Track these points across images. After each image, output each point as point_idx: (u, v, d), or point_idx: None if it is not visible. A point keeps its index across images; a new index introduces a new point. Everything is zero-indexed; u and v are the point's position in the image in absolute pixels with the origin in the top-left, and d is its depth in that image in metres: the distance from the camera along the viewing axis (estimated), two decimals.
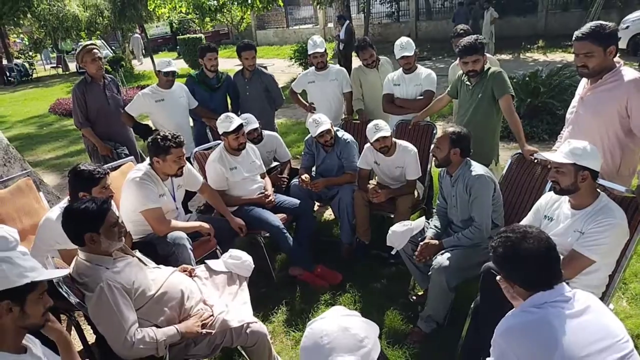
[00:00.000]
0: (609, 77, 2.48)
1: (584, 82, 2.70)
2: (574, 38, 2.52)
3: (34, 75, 23.03)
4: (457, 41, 3.45)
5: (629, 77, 2.42)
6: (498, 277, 1.71)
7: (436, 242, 2.86)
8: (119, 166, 3.55)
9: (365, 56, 4.40)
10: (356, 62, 4.77)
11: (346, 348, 1.24)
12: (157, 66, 4.25)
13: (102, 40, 21.44)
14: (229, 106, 4.79)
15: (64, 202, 2.60)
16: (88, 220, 2.09)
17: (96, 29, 18.62)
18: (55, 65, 24.49)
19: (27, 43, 26.15)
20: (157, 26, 26.69)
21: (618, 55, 2.51)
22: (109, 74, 4.83)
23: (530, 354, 1.48)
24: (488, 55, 3.58)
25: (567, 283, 2.12)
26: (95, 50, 4.18)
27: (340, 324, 1.27)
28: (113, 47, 23.09)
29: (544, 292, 1.55)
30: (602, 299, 2.29)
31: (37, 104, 14.16)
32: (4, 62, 23.07)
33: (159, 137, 2.93)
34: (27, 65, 22.71)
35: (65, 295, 2.01)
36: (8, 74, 21.93)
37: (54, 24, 17.46)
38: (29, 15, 19.00)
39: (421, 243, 2.88)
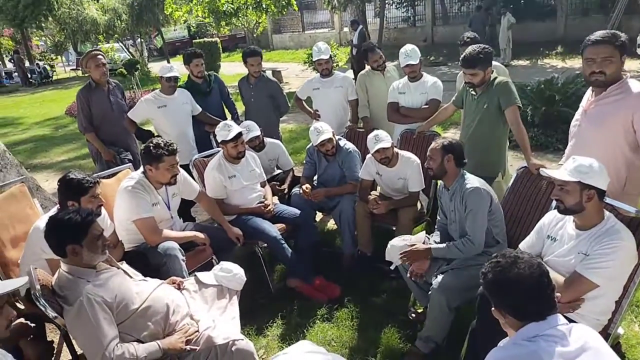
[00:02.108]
0: (614, 89, 2.34)
1: (588, 93, 2.56)
2: (589, 43, 2.36)
3: (54, 77, 23.49)
4: (464, 49, 3.34)
5: (636, 89, 2.27)
6: (492, 309, 1.60)
7: (424, 246, 2.75)
8: (116, 173, 3.52)
9: (375, 57, 4.35)
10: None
11: None
12: (159, 72, 4.20)
13: (121, 44, 21.77)
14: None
15: (54, 211, 2.56)
16: (70, 232, 2.04)
17: (114, 32, 18.91)
18: (74, 67, 24.96)
19: (48, 45, 26.73)
20: (175, 29, 27.01)
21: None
22: (125, 77, 4.80)
23: None
24: (496, 63, 3.46)
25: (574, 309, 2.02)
26: (100, 57, 4.18)
27: None
28: (131, 51, 23.44)
29: (536, 323, 1.44)
30: (607, 326, 2.15)
31: (54, 105, 14.40)
32: (26, 64, 23.65)
33: (151, 145, 2.88)
34: (47, 67, 23.19)
35: (42, 308, 1.95)
36: (29, 75, 22.48)
37: (74, 27, 17.82)
38: (50, 19, 19.42)
39: (409, 247, 2.77)
